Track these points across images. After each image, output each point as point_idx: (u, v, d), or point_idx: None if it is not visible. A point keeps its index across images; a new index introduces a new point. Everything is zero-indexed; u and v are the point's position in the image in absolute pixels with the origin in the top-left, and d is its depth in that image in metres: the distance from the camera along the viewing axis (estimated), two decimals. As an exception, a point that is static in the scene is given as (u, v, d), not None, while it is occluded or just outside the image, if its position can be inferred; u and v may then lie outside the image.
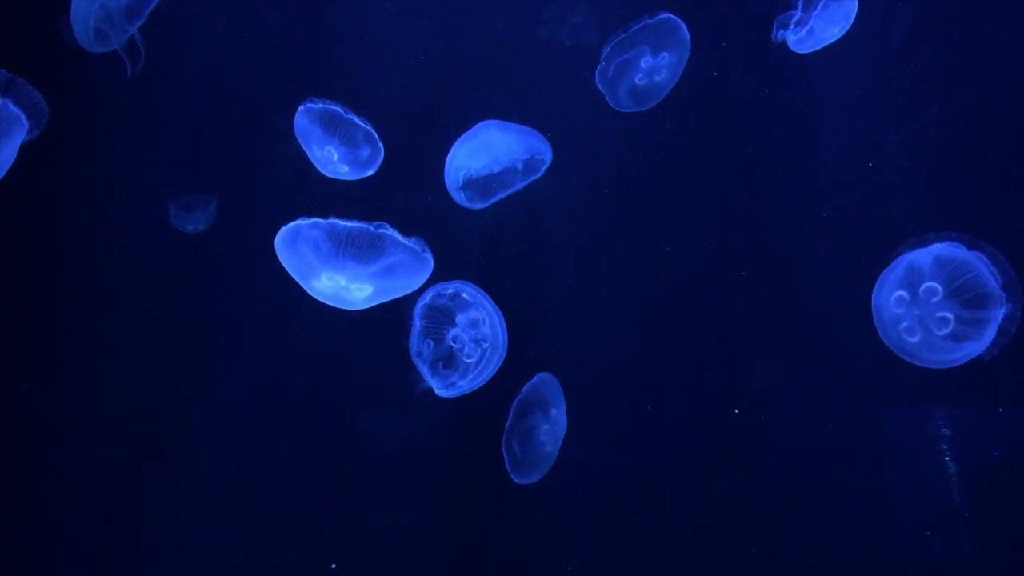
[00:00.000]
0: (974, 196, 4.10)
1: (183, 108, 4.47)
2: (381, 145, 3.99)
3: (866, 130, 4.40)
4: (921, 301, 3.25)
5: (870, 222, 4.24)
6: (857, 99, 4.41)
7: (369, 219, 4.15)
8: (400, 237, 3.29)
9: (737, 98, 4.51)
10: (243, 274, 4.36)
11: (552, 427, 4.21)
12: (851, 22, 4.20)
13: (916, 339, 3.30)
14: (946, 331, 3.23)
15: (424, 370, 3.85)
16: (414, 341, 3.84)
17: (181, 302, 4.56)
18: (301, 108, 3.90)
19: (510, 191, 4.26)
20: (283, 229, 3.33)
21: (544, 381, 4.16)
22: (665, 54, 4.30)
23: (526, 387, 4.11)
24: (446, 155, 4.21)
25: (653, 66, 4.33)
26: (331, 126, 3.91)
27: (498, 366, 3.87)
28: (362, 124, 3.89)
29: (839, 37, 4.22)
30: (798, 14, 4.21)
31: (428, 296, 3.84)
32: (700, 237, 4.52)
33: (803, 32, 4.24)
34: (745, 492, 4.40)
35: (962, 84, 4.28)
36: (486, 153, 4.17)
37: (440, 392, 3.86)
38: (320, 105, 3.86)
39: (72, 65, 4.17)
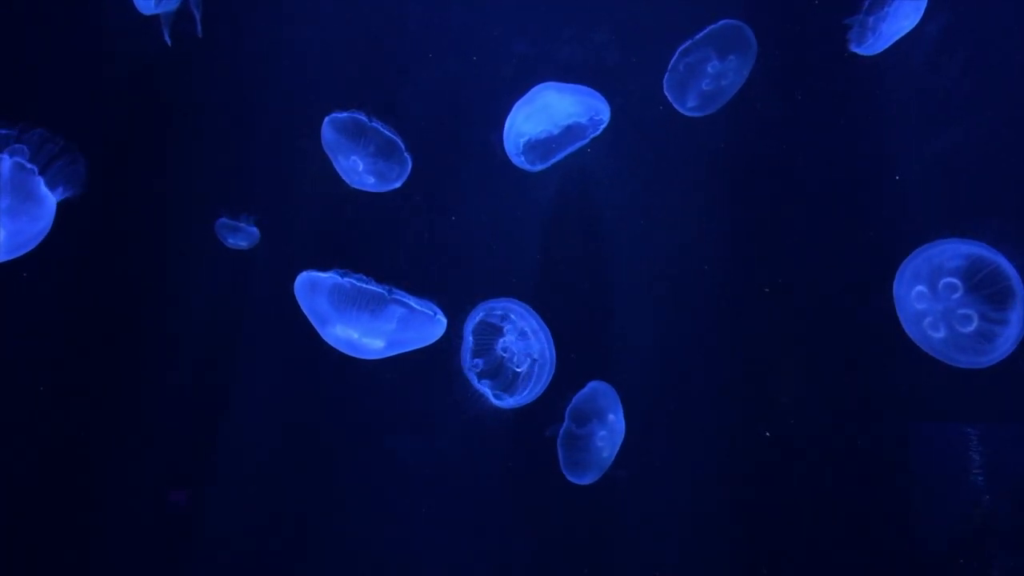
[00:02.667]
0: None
1: (215, 127, 4.62)
2: (408, 156, 4.03)
3: (921, 133, 4.23)
4: (941, 296, 3.15)
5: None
6: (920, 99, 4.24)
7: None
8: (413, 301, 3.36)
9: (799, 102, 4.43)
10: (272, 292, 4.38)
11: (609, 433, 4.23)
12: (920, 17, 4.08)
13: (941, 335, 3.19)
14: (971, 328, 3.11)
15: (475, 383, 3.95)
16: (466, 357, 3.95)
17: (208, 317, 4.61)
18: (327, 119, 4.00)
19: (569, 151, 4.26)
20: (301, 275, 3.42)
21: (598, 389, 4.21)
22: (732, 57, 4.32)
23: (580, 394, 4.13)
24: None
25: (720, 70, 4.35)
26: (356, 136, 3.97)
27: (548, 381, 3.96)
28: (388, 133, 3.94)
29: (908, 31, 4.10)
30: (863, 16, 4.14)
31: (479, 315, 3.95)
32: (747, 244, 4.45)
33: (870, 36, 4.16)
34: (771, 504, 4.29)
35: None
36: (544, 116, 4.15)
37: (496, 403, 3.96)
38: (345, 115, 3.94)
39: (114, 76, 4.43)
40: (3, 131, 3.02)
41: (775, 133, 4.46)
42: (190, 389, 4.54)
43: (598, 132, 4.19)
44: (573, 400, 4.13)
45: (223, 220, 4.39)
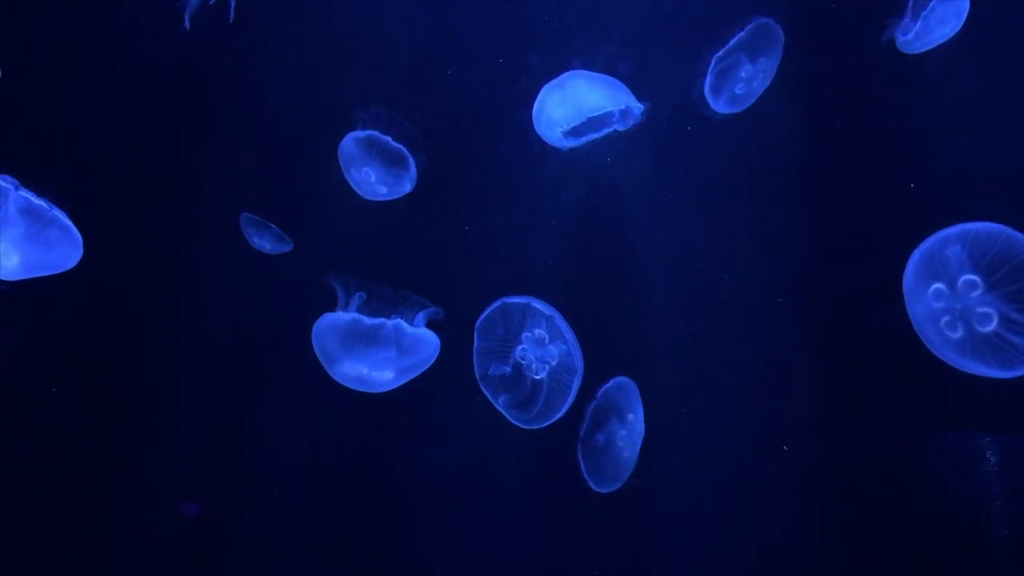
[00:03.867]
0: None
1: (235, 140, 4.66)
2: (413, 162, 4.10)
3: (952, 137, 4.08)
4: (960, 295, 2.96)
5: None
6: (963, 102, 4.09)
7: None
8: (409, 328, 3.42)
9: (822, 103, 4.32)
10: (290, 302, 4.45)
11: (629, 433, 4.14)
12: (963, 21, 3.94)
13: (958, 335, 3.00)
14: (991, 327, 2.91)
15: (496, 390, 3.92)
16: (486, 364, 3.91)
17: (223, 329, 4.61)
18: (350, 136, 4.07)
19: (600, 135, 4.25)
20: (320, 320, 3.51)
21: (619, 386, 4.11)
22: (763, 60, 4.24)
23: (600, 393, 4.07)
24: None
25: (752, 73, 4.28)
26: (370, 148, 4.07)
27: (577, 390, 3.88)
28: (396, 145, 4.03)
29: (949, 37, 3.97)
30: (908, 15, 4.04)
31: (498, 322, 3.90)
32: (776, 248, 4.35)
33: (911, 34, 4.05)
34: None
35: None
36: (572, 104, 4.14)
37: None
38: (364, 133, 4.04)
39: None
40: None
41: (796, 134, 4.38)
42: (207, 399, 4.56)
43: (626, 126, 4.19)
44: (593, 401, 4.08)
45: (250, 216, 4.40)
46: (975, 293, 2.93)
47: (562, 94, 4.18)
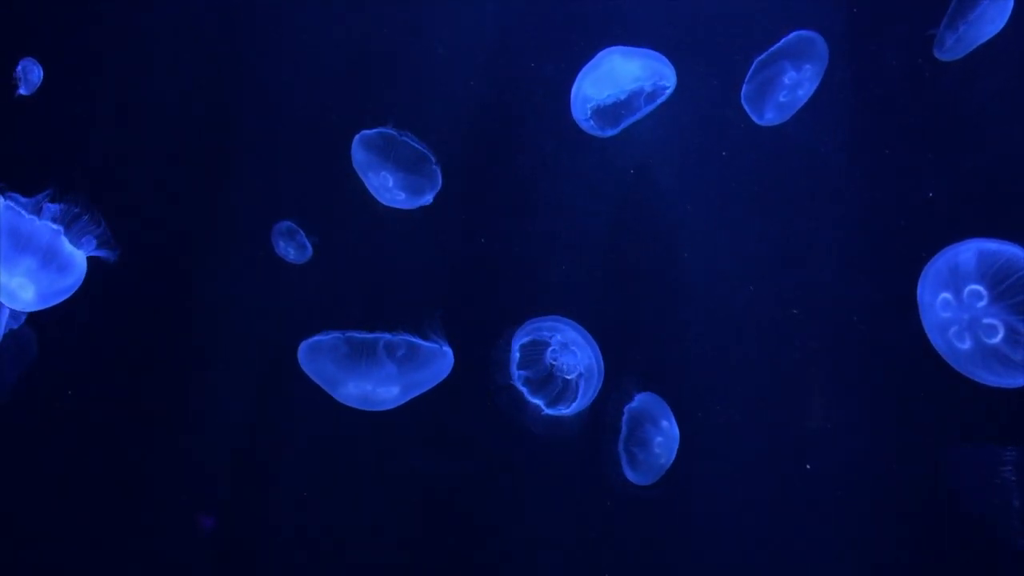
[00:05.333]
0: None
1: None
2: (437, 168, 4.04)
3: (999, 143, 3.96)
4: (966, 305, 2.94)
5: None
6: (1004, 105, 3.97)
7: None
8: (418, 340, 3.44)
9: (866, 108, 4.26)
10: (304, 309, 4.49)
11: (666, 439, 4.20)
12: (1005, 22, 3.86)
13: (967, 346, 2.98)
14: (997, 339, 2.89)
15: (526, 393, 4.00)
16: (513, 369, 3.97)
17: (242, 330, 4.62)
18: (357, 138, 4.03)
19: (639, 115, 4.20)
20: (302, 345, 3.50)
21: (647, 401, 4.17)
22: (808, 67, 4.24)
23: (634, 400, 4.14)
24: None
25: (797, 80, 4.28)
26: (386, 150, 3.98)
27: (596, 392, 3.97)
28: (416, 145, 3.96)
29: (991, 37, 3.89)
30: (947, 20, 3.98)
31: (527, 332, 3.98)
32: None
33: (952, 40, 3.99)
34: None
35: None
36: (610, 82, 4.10)
37: (548, 411, 4.00)
38: (374, 132, 3.98)
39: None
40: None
41: (841, 141, 4.32)
42: (227, 410, 4.57)
43: (665, 97, 4.14)
44: (628, 407, 4.14)
45: (288, 224, 4.41)
46: (980, 304, 2.90)
47: (597, 72, 4.14)
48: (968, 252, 2.91)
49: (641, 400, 4.17)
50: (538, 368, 4.02)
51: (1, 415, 4.22)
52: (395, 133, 3.95)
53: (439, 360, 3.59)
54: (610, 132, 4.26)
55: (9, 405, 4.22)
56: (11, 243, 3.00)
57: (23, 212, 3.01)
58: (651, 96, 4.19)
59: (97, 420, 4.46)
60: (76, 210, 3.12)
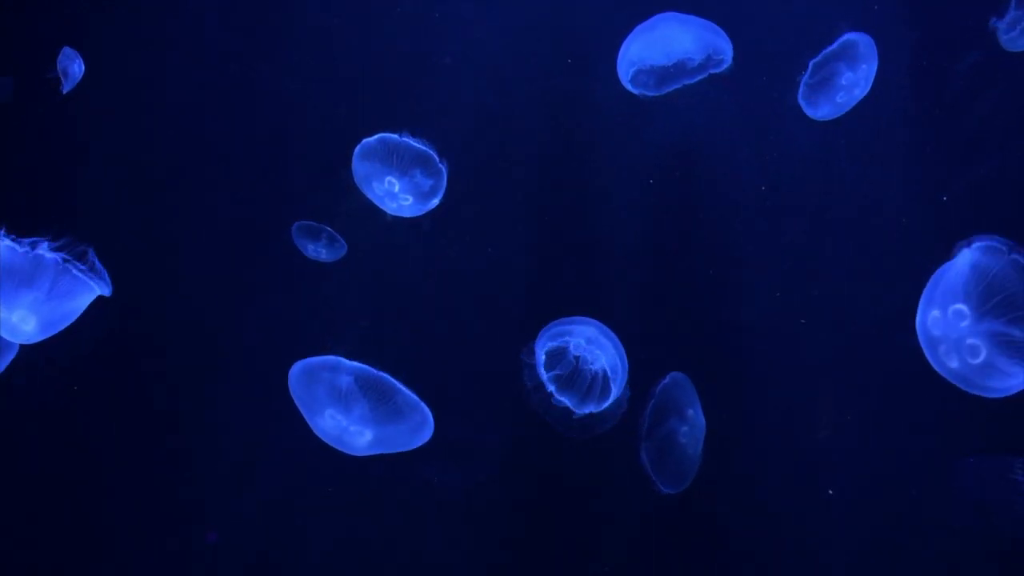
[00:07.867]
0: None
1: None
2: (443, 167, 3.92)
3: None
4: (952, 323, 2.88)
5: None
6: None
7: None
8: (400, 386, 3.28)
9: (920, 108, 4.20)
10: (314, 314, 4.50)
11: (691, 429, 4.16)
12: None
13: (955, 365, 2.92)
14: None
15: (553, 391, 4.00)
16: (540, 371, 3.96)
17: (254, 333, 4.56)
18: (356, 151, 3.95)
19: (686, 83, 4.12)
20: (295, 367, 3.39)
21: (675, 382, 4.14)
22: (863, 67, 4.19)
23: (657, 390, 4.08)
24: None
25: (853, 80, 4.23)
26: (388, 156, 3.89)
27: (620, 391, 3.93)
28: (419, 146, 3.88)
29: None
30: (1012, 11, 3.89)
31: (550, 336, 3.96)
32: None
33: (1016, 31, 3.90)
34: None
35: None
36: (660, 48, 4.00)
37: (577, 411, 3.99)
38: (373, 139, 3.89)
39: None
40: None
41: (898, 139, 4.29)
42: (232, 421, 4.54)
43: (719, 70, 4.05)
44: (651, 400, 4.11)
45: (309, 223, 4.33)
46: (964, 323, 2.83)
47: (651, 36, 4.03)
48: (956, 269, 2.83)
49: (665, 388, 4.11)
50: (564, 364, 4.04)
51: (4, 419, 4.27)
52: (394, 136, 3.88)
53: (416, 416, 3.36)
54: (653, 94, 4.17)
55: (9, 406, 4.20)
56: (11, 280, 2.92)
57: (19, 247, 2.92)
58: (701, 67, 4.09)
59: (100, 427, 4.49)
60: (77, 247, 3.04)
